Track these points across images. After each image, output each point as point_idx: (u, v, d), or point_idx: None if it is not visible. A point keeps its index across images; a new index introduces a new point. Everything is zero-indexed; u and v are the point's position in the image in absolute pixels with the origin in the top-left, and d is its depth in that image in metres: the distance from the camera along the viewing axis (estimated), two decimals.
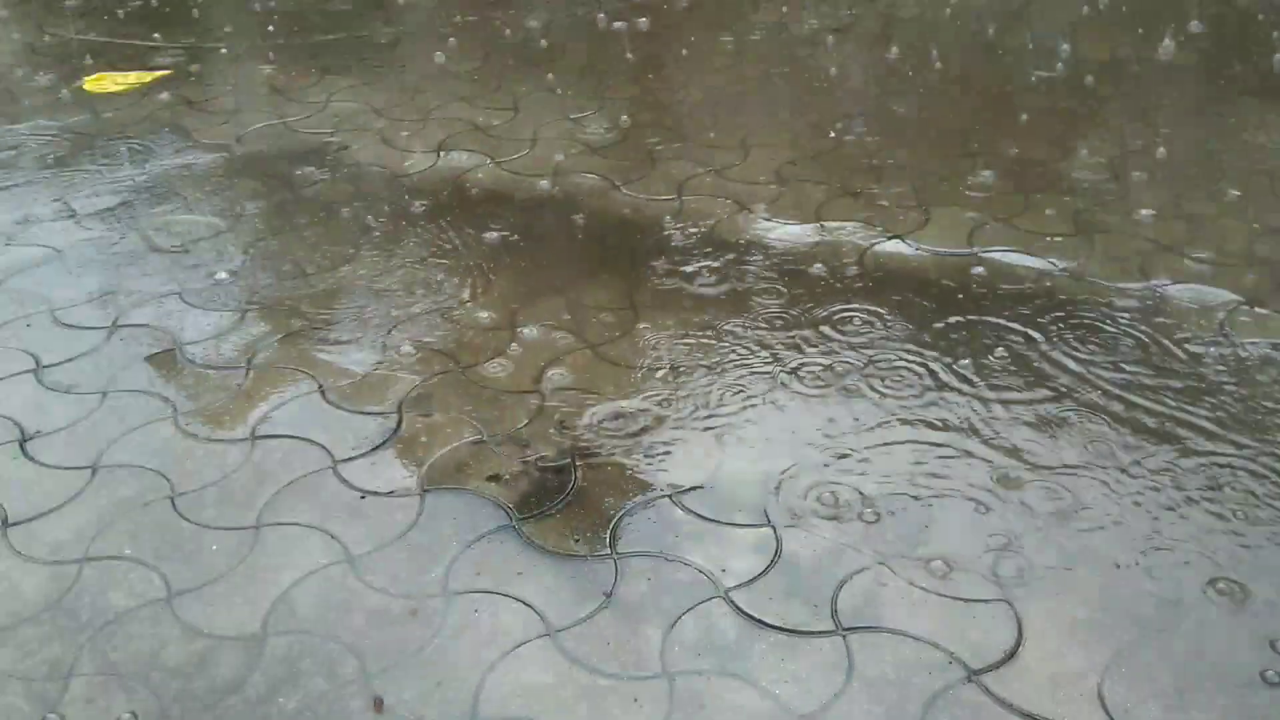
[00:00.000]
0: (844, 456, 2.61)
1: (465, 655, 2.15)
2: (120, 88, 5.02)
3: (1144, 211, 3.61)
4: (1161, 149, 4.05)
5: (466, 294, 3.33)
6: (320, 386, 2.93)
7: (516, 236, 3.65)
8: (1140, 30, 5.32)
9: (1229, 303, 3.11)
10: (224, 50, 5.53)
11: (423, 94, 4.89)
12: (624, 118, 4.54)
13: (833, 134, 4.32)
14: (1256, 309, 3.07)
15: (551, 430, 2.73)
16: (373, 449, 2.69)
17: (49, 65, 5.35)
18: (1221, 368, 2.84)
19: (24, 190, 4.03)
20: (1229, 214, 3.59)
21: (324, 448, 2.70)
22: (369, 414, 2.82)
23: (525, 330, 3.13)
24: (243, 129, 4.55)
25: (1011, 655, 2.08)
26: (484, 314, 3.22)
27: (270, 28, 5.85)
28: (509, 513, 2.48)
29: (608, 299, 3.27)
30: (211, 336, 3.15)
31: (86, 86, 5.03)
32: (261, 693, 2.09)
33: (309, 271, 3.47)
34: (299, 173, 4.15)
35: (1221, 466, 2.51)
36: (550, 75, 5.05)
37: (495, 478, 2.59)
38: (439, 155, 4.26)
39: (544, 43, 5.51)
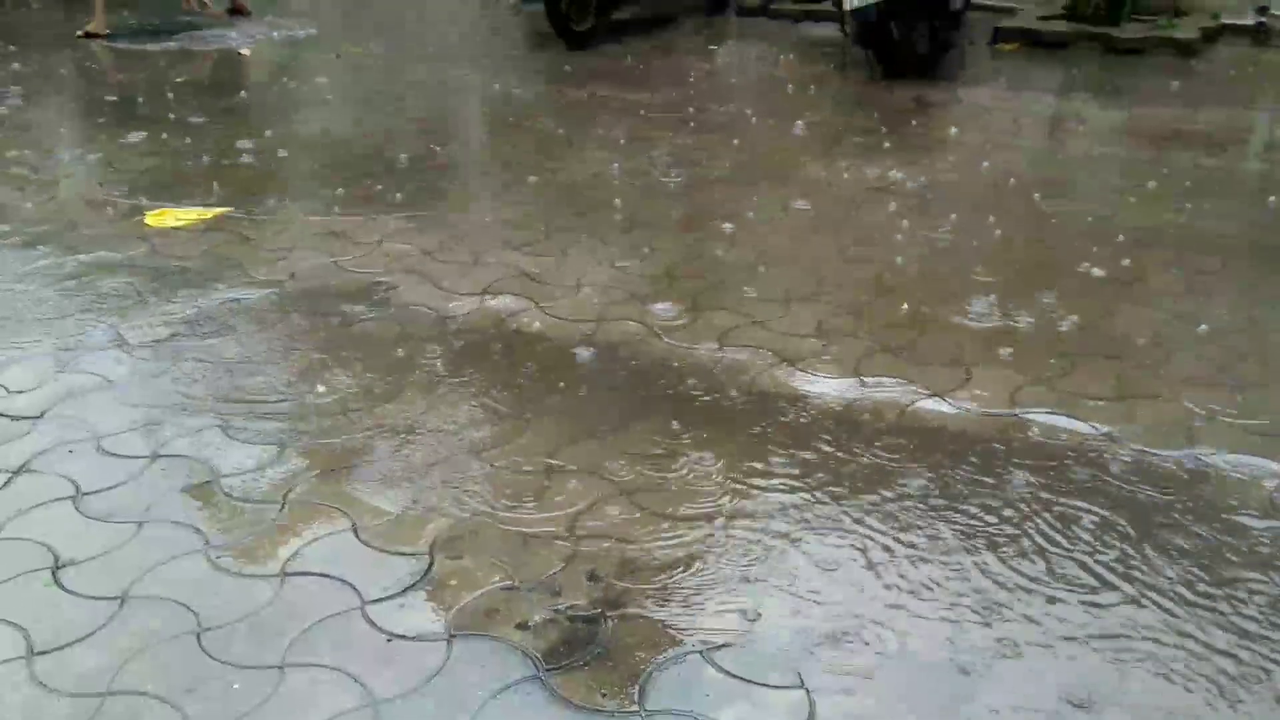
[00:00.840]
0: (877, 621, 2.55)
1: None
2: (181, 223, 5.19)
3: (1189, 379, 3.59)
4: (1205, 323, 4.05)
5: (502, 436, 3.34)
6: (353, 524, 2.92)
7: (558, 381, 3.68)
8: (1191, 201, 5.39)
9: (1275, 473, 3.05)
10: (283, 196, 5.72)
11: (472, 238, 5.01)
12: (666, 260, 4.62)
13: (876, 288, 4.37)
14: None
15: (583, 578, 2.70)
16: (403, 590, 2.67)
17: (114, 199, 5.55)
18: (1267, 541, 2.77)
19: (79, 319, 4.13)
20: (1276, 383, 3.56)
21: (353, 587, 2.68)
22: (401, 554, 2.80)
23: (561, 476, 3.13)
24: (296, 266, 4.67)
25: None
26: (520, 457, 3.22)
27: (330, 174, 6.06)
28: (536, 663, 2.43)
29: (647, 448, 3.26)
30: (250, 470, 3.17)
31: (148, 221, 5.20)
32: None
33: (352, 409, 3.50)
34: (348, 310, 4.23)
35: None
36: (596, 223, 5.17)
37: (524, 625, 2.55)
38: (483, 298, 4.34)
39: (594, 192, 5.66)
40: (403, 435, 3.35)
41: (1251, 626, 2.51)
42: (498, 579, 2.71)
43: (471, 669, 2.43)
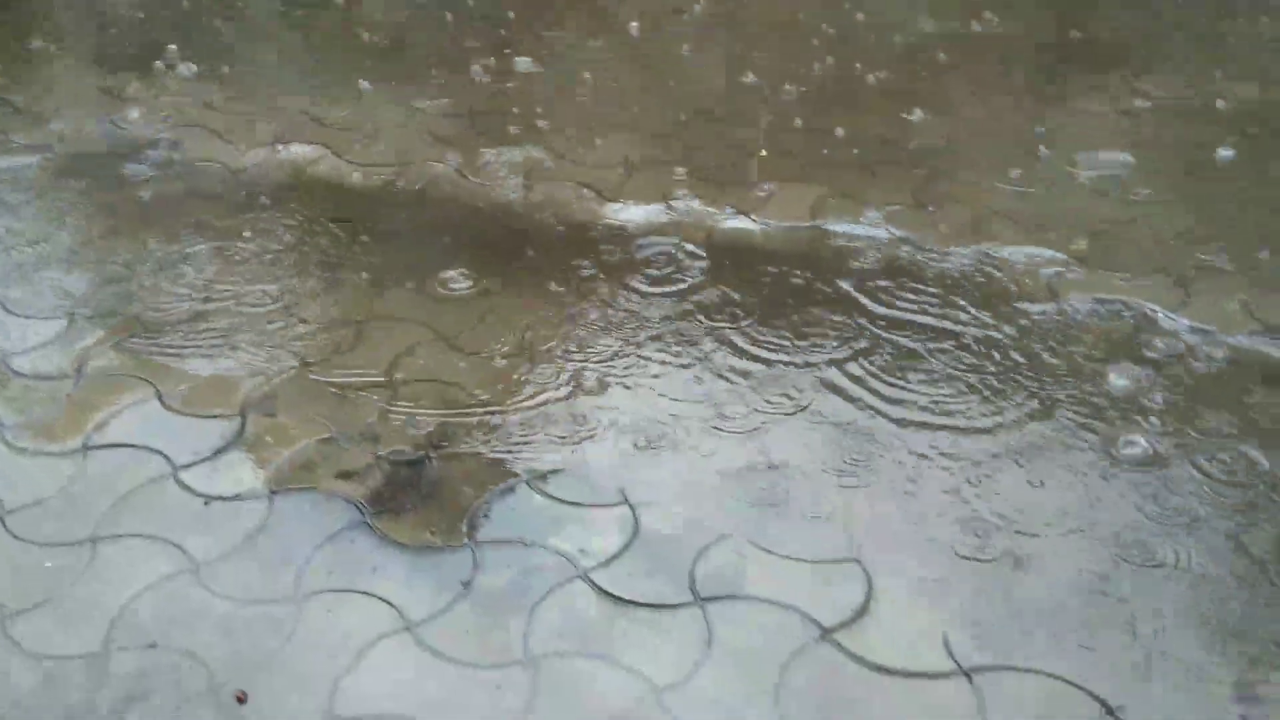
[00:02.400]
0: (693, 429, 2.64)
1: (321, 657, 2.10)
2: None
3: (977, 178, 3.74)
4: (994, 119, 4.20)
5: (310, 290, 3.24)
6: (158, 392, 2.81)
7: (361, 229, 3.57)
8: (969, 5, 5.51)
9: (1056, 262, 3.24)
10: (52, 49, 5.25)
11: (260, 87, 4.73)
12: (473, 105, 4.48)
13: (682, 116, 4.35)
14: (1083, 269, 3.21)
15: (403, 423, 2.68)
16: (215, 453, 2.60)
17: None
18: (1048, 324, 2.96)
19: None
20: (1058, 180, 3.74)
21: (164, 455, 2.60)
22: (211, 418, 2.72)
23: (373, 323, 3.07)
24: (65, 128, 4.33)
25: (862, 611, 2.14)
26: (330, 310, 3.14)
27: (100, 28, 5.58)
28: (361, 509, 2.43)
29: (458, 288, 3.22)
30: (38, 346, 2.99)
31: None
32: (110, 712, 2.00)
33: (143, 274, 3.32)
34: (128, 171, 3.96)
35: (1041, 417, 2.62)
36: (391, 65, 4.95)
37: (346, 475, 2.53)
38: (276, 148, 4.13)
39: (386, 33, 5.39)
40: (203, 297, 3.21)
41: (1029, 384, 2.69)
42: (315, 432, 2.67)
43: (294, 523, 2.41)
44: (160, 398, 2.79)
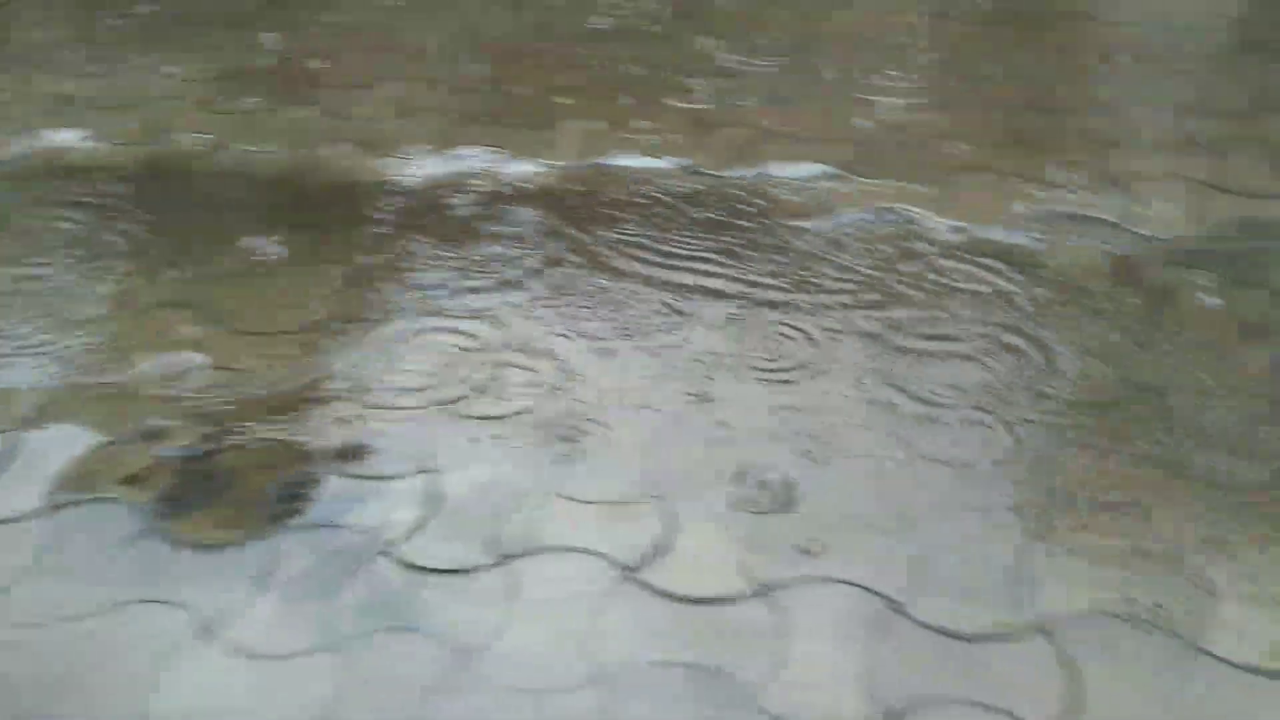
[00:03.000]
0: (484, 389, 2.64)
1: (125, 671, 2.04)
2: None
3: (747, 102, 3.80)
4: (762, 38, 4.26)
5: (76, 286, 3.07)
6: None
7: (127, 212, 3.39)
8: None
9: (824, 174, 3.34)
10: None
11: (10, 67, 4.42)
12: (230, 62, 4.29)
13: (464, 62, 4.26)
14: (852, 177, 3.31)
15: (188, 417, 2.60)
16: None
17: None
18: (819, 237, 3.06)
19: None
20: (820, 95, 3.84)
21: None
22: None
23: (147, 316, 2.94)
24: None
25: (665, 548, 2.20)
26: (98, 304, 2.99)
27: None
28: (150, 513, 2.35)
29: (234, 265, 3.11)
30: None
31: None
32: None
33: None
34: None
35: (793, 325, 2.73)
36: (156, 33, 4.68)
37: (131, 479, 2.44)
38: (34, 133, 3.87)
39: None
40: None
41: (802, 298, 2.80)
42: (93, 438, 2.55)
43: (81, 535, 2.31)
44: None
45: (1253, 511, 2.16)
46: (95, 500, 2.40)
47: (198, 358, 2.78)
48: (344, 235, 3.22)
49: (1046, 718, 1.83)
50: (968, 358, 2.60)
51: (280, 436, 2.53)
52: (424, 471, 2.42)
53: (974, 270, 2.87)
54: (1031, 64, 3.91)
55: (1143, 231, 2.95)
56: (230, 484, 2.42)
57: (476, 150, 3.62)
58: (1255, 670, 1.88)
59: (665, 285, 2.92)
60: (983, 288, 2.80)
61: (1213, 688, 1.86)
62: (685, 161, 3.46)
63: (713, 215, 3.19)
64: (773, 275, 2.92)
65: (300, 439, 2.53)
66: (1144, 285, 2.77)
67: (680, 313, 2.82)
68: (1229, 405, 2.41)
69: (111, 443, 2.54)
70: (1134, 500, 2.20)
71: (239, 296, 2.99)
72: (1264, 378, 2.46)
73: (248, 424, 2.57)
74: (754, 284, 2.90)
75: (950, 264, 2.90)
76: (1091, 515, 2.19)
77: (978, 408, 2.46)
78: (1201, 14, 4.24)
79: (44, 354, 2.82)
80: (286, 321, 2.89)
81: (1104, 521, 2.17)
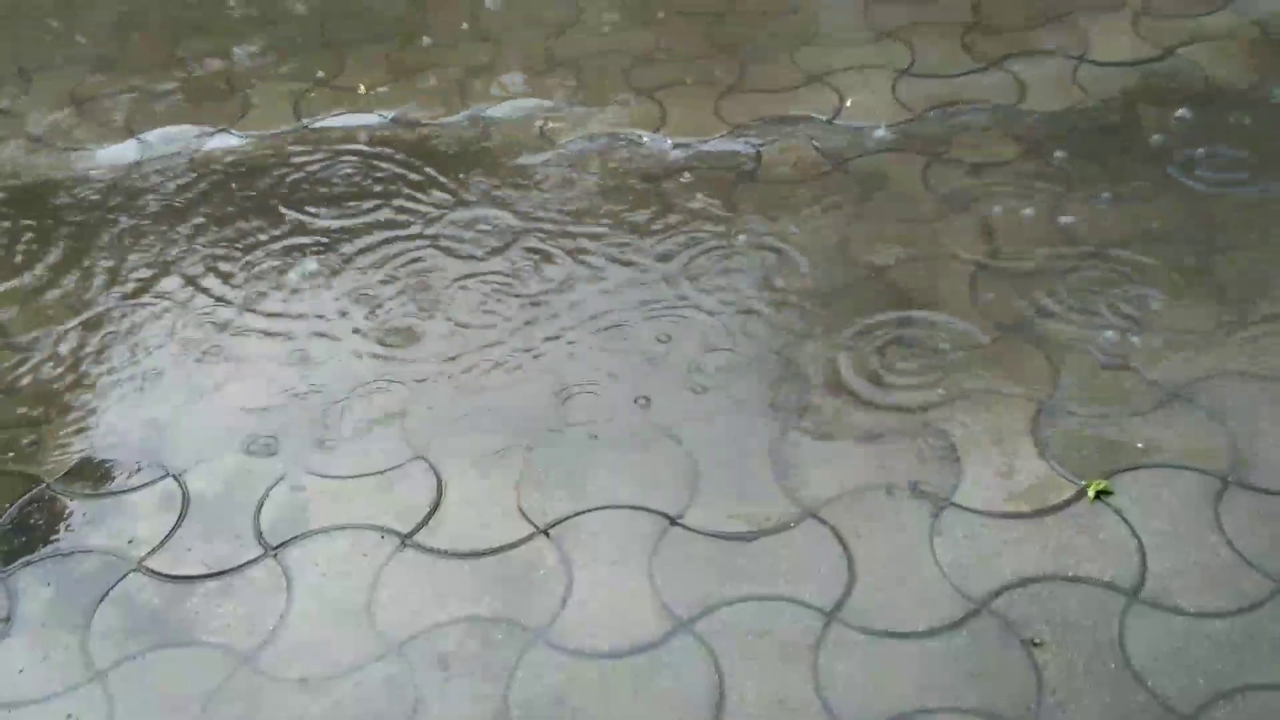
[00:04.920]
0: (213, 373, 2.49)
1: None
2: None
3: (446, 39, 3.70)
4: None
5: None
6: None
7: None
8: None
9: (542, 110, 3.30)
10: None
11: None
12: None
13: (126, 36, 3.93)
14: (568, 111, 3.29)
15: None
16: None
17: None
18: (549, 169, 3.03)
19: None
20: (526, 25, 3.78)
21: None
22: None
23: None
24: None
25: (436, 507, 2.15)
26: None
27: None
28: None
29: None
30: None
31: None
32: None
33: None
34: None
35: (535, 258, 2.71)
36: None
37: None
38: None
39: None
40: None
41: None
42: None
43: None
44: None
45: (979, 367, 2.31)
46: None
47: None
48: (20, 235, 2.94)
49: (827, 597, 1.92)
50: (703, 264, 2.65)
51: (7, 465, 2.31)
52: (167, 475, 2.26)
53: (698, 180, 2.92)
54: None
55: (847, 124, 3.08)
56: None
57: (168, 129, 3.37)
58: (999, 514, 2.03)
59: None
60: (708, 198, 2.85)
61: (966, 536, 1.99)
62: (395, 112, 3.34)
63: (436, 159, 3.10)
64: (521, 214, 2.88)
65: (23, 464, 2.31)
66: (853, 173, 2.89)
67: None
68: (945, 273, 2.56)
69: None
70: (873, 373, 2.32)
71: None
72: (971, 243, 2.63)
73: None
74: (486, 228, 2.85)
75: (676, 177, 2.94)
76: (833, 396, 2.28)
77: (715, 311, 2.51)
78: None
79: None
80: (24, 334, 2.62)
81: (847, 403, 2.27)
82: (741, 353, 2.41)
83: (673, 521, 2.07)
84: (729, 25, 3.60)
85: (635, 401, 2.32)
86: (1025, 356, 2.33)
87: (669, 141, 3.09)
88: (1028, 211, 2.70)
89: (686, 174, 2.96)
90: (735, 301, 2.54)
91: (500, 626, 1.93)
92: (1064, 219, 2.67)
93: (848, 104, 3.16)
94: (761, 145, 3.03)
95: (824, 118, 3.11)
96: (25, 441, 2.37)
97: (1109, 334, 2.35)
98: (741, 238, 2.72)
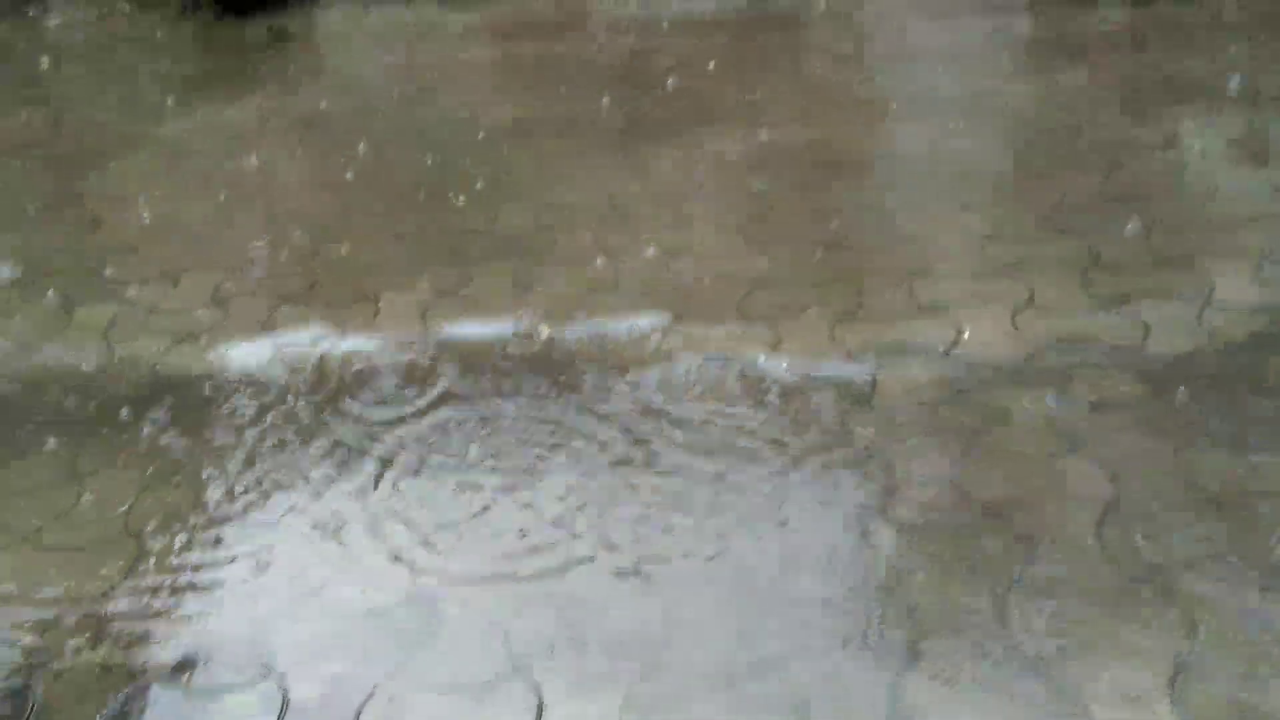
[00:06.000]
0: (327, 573, 2.50)
1: None
2: None
3: (571, 257, 3.85)
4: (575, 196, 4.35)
5: None
6: None
7: None
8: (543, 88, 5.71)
9: (659, 325, 3.37)
10: None
11: None
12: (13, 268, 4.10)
13: (264, 237, 4.18)
14: (682, 329, 3.36)
15: None
16: None
17: None
18: (663, 387, 3.07)
19: None
20: (646, 247, 3.92)
21: None
22: None
23: None
24: None
25: None
26: None
27: None
28: None
29: (43, 479, 2.90)
30: None
31: None
32: None
33: None
34: None
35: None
36: None
37: None
38: None
39: None
40: None
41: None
42: None
43: None
44: None
45: (1108, 618, 2.20)
46: None
47: (5, 584, 2.54)
48: (161, 432, 3.04)
49: None
50: (812, 491, 2.61)
51: (101, 658, 2.32)
52: (269, 676, 2.24)
53: (812, 404, 2.92)
54: (829, 203, 4.10)
55: (965, 355, 3.07)
56: (54, 717, 2.19)
57: (302, 332, 3.52)
58: None
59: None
60: (821, 423, 2.85)
61: None
62: (513, 325, 3.45)
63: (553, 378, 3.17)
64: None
65: (125, 657, 2.31)
66: (971, 405, 2.86)
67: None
68: (1067, 516, 2.48)
69: None
70: (993, 618, 2.22)
71: (44, 508, 2.77)
72: (1095, 485, 2.55)
73: (63, 649, 2.34)
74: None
75: (789, 400, 2.94)
76: (949, 640, 2.19)
77: (822, 541, 2.46)
78: (978, 150, 4.57)
79: None
80: (95, 535, 2.68)
81: (965, 649, 2.17)
82: (849, 588, 2.34)
83: None
84: (842, 254, 3.69)
85: (737, 634, 2.25)
86: (1159, 609, 2.21)
87: (783, 364, 3.12)
88: (1153, 454, 2.63)
89: (799, 397, 2.96)
90: (843, 532, 2.48)
91: None
92: (1192, 464, 2.58)
93: (965, 335, 3.16)
94: (877, 372, 3.04)
95: (941, 348, 3.11)
96: (132, 634, 2.38)
97: (1250, 589, 2.22)
98: (852, 465, 2.69)
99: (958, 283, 3.45)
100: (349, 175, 4.75)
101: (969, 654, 2.15)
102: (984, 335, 3.17)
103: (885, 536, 2.46)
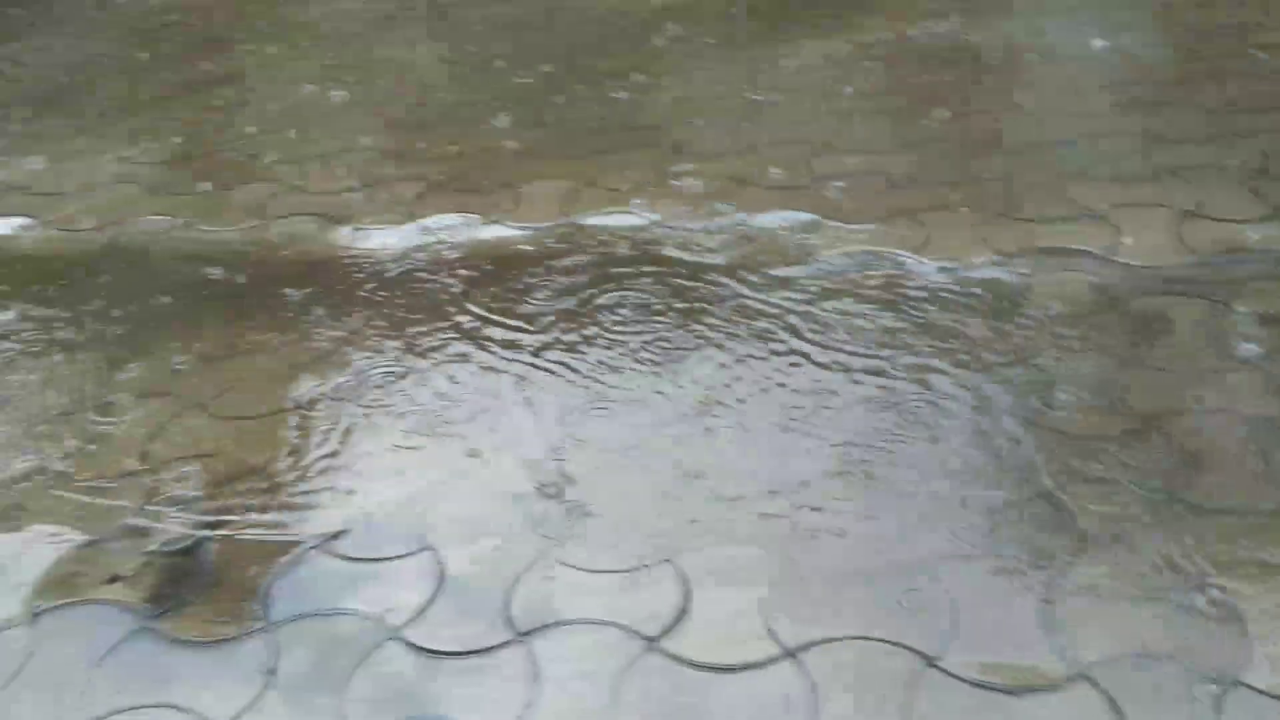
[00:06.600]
0: (476, 454, 2.56)
1: None
2: None
3: (714, 147, 3.79)
4: (717, 84, 4.27)
5: (39, 380, 2.96)
6: None
7: (84, 301, 3.29)
8: None
9: (806, 223, 3.32)
10: None
11: None
12: (178, 142, 4.21)
13: (410, 124, 4.22)
14: (829, 223, 3.30)
15: (171, 509, 2.49)
16: None
17: None
18: (808, 283, 3.03)
19: None
20: (787, 138, 3.84)
21: None
22: None
23: (121, 407, 2.83)
24: None
25: (682, 613, 2.13)
26: (65, 398, 2.88)
27: None
28: (141, 613, 2.24)
29: (208, 349, 3.02)
30: None
31: None
32: None
33: None
34: None
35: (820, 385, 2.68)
36: (83, 114, 4.59)
37: (116, 578, 2.32)
38: None
39: (72, 79, 4.99)
40: None
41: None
42: (73, 538, 2.44)
43: (66, 643, 2.19)
44: None
45: (1268, 534, 2.14)
46: (79, 604, 2.28)
47: (176, 448, 2.67)
48: (314, 311, 3.13)
49: None
50: (965, 397, 2.57)
51: (269, 523, 2.43)
52: (425, 548, 2.33)
53: (961, 307, 2.86)
54: (981, 100, 3.94)
55: (1126, 262, 2.96)
56: (221, 577, 2.32)
57: (446, 217, 3.56)
58: None
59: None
60: (973, 325, 2.78)
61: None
62: (657, 216, 3.43)
63: (698, 268, 3.15)
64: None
65: (291, 523, 2.43)
66: (1130, 315, 2.76)
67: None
68: (1228, 431, 2.39)
69: (93, 542, 2.42)
70: (1147, 532, 2.17)
71: (212, 381, 2.89)
72: (1259, 400, 2.46)
73: (234, 512, 2.46)
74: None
75: (936, 302, 2.88)
76: (1108, 551, 2.15)
77: (977, 445, 2.42)
78: (1137, 45, 4.33)
79: (13, 451, 2.70)
80: (265, 404, 2.79)
81: (1122, 561, 2.13)
82: (1003, 494, 2.31)
83: (930, 663, 1.98)
84: (994, 153, 3.56)
85: (883, 536, 2.25)
86: None
87: (932, 265, 3.05)
88: None
89: (948, 298, 2.90)
90: (993, 439, 2.44)
91: None
92: None
93: (1126, 242, 3.04)
94: (1030, 277, 2.95)
95: (1100, 254, 3.00)
96: (296, 503, 2.49)
97: None
98: (1004, 371, 2.63)
99: (1118, 187, 3.30)
100: (497, 63, 4.74)
101: (1124, 566, 2.11)
102: (1145, 241, 3.04)
103: (1038, 444, 2.41)
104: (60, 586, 2.32)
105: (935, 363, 2.68)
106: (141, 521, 2.46)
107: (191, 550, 2.38)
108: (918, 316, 2.85)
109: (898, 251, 3.12)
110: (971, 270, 3.01)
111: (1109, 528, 2.19)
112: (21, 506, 2.54)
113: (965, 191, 3.37)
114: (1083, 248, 3.04)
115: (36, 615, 2.26)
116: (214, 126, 4.37)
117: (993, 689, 1.92)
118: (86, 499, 2.54)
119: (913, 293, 2.95)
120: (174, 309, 3.23)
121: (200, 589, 2.29)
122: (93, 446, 2.70)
